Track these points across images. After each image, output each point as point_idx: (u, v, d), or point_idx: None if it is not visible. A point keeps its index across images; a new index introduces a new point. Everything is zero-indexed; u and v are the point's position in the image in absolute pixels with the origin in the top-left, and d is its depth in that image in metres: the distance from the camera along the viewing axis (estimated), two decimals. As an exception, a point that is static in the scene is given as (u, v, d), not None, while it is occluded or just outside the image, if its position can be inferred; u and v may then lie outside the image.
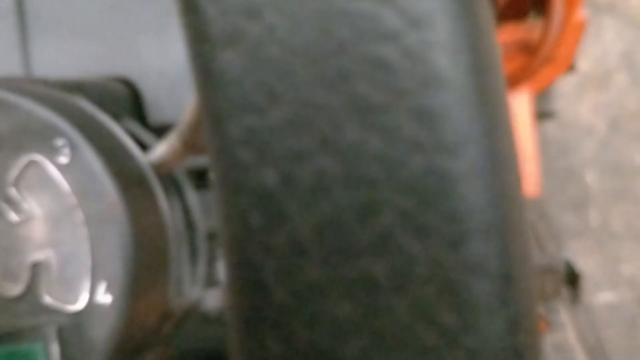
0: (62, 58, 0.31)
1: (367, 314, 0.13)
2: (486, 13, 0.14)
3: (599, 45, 1.20)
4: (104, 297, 0.21)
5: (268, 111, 0.13)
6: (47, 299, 0.21)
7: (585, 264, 1.08)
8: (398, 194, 0.13)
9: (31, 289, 0.21)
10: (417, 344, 0.13)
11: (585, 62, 1.18)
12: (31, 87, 0.23)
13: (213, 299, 0.29)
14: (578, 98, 1.18)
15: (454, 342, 0.13)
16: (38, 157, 0.21)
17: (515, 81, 0.81)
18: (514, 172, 0.14)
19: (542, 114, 0.95)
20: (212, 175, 0.14)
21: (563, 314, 0.92)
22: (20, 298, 0.21)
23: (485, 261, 0.13)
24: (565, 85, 1.15)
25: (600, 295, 1.09)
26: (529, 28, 0.82)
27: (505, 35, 0.82)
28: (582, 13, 0.75)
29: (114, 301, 0.21)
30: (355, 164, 0.13)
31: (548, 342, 0.89)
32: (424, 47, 0.13)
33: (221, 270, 0.32)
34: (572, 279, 0.87)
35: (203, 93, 0.14)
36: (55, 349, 0.21)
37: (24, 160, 0.21)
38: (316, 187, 0.13)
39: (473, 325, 0.13)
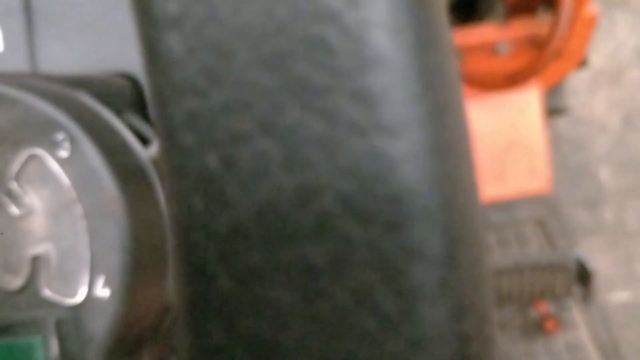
0: (67, 54, 0.31)
1: (307, 299, 0.13)
2: None
3: (612, 40, 1.19)
4: (103, 291, 0.21)
5: (209, 93, 0.13)
6: (47, 293, 0.21)
7: (600, 262, 1.07)
8: (338, 177, 0.13)
9: (31, 283, 0.21)
10: (357, 330, 0.13)
11: (597, 57, 1.17)
12: (32, 81, 0.24)
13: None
14: (591, 94, 1.17)
15: (394, 329, 0.13)
16: (39, 151, 0.22)
17: (524, 76, 0.81)
18: (461, 155, 0.13)
19: (555, 110, 0.94)
20: (160, 159, 0.14)
21: (576, 313, 0.91)
22: (20, 291, 0.21)
23: (425, 246, 0.13)
24: (577, 81, 1.14)
25: (615, 294, 1.08)
26: (539, 23, 0.82)
27: (515, 31, 0.82)
28: (592, 8, 0.75)
29: (112, 295, 0.21)
30: (295, 146, 0.13)
31: (560, 340, 0.89)
32: (364, 26, 0.13)
33: None
34: (584, 277, 0.86)
35: (149, 75, 0.14)
36: (53, 342, 0.21)
37: (24, 154, 0.22)
38: (257, 170, 0.13)
39: (414, 312, 0.13)
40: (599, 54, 1.17)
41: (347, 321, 0.13)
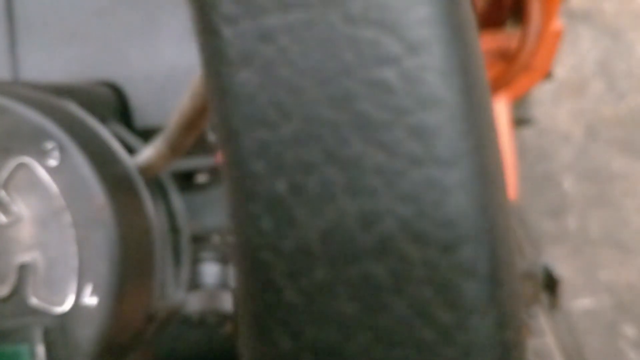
0: (50, 62, 0.31)
1: (369, 312, 0.14)
2: (475, 37, 0.15)
3: (575, 53, 1.22)
4: (90, 299, 0.21)
5: (279, 126, 0.14)
6: (34, 301, 0.21)
7: (564, 270, 1.09)
8: (397, 202, 0.14)
9: (18, 291, 0.21)
10: (415, 340, 0.14)
11: (561, 69, 1.19)
12: (21, 90, 0.24)
13: (195, 303, 0.30)
14: (555, 105, 1.20)
15: (449, 338, 0.14)
16: (27, 160, 0.22)
17: (493, 89, 0.82)
18: (501, 182, 0.15)
19: (520, 121, 0.96)
20: (224, 184, 0.15)
21: (542, 320, 0.92)
22: (6, 299, 0.21)
23: (476, 264, 0.14)
24: (542, 92, 1.16)
25: (579, 301, 1.10)
26: (507, 37, 0.83)
27: (484, 44, 0.83)
28: (558, 22, 0.76)
29: (99, 303, 0.21)
30: (358, 175, 0.14)
31: (528, 347, 0.90)
32: (421, 70, 0.14)
33: (206, 273, 0.32)
34: (551, 284, 0.88)
35: (219, 109, 0.15)
36: (41, 350, 0.21)
37: (13, 162, 0.22)
38: (322, 195, 0.14)
39: (466, 323, 0.14)
40: (563, 66, 1.20)
41: (407, 332, 0.14)
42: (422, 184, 0.14)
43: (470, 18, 0.15)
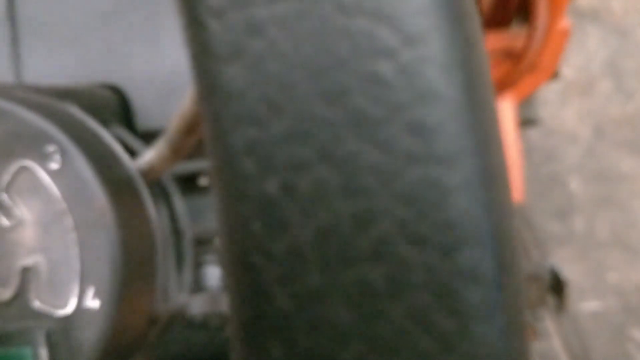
0: (52, 65, 0.31)
1: (365, 319, 0.14)
2: (477, 29, 0.14)
3: (583, 52, 1.21)
4: (93, 302, 0.21)
5: (270, 123, 0.14)
6: (37, 304, 0.22)
7: (571, 272, 1.08)
8: (394, 203, 0.13)
9: (21, 294, 0.22)
10: (413, 348, 0.13)
11: (569, 69, 1.19)
12: (22, 94, 0.24)
13: (198, 306, 0.30)
14: (562, 105, 1.19)
15: (450, 347, 0.13)
16: (29, 163, 0.22)
17: (499, 88, 0.82)
18: (505, 182, 0.14)
19: (526, 121, 0.95)
20: (212, 185, 0.14)
21: (549, 322, 0.92)
22: (9, 302, 0.22)
23: (478, 269, 0.13)
24: (549, 92, 1.16)
25: (586, 304, 1.09)
26: (513, 36, 0.83)
27: (489, 43, 0.83)
28: (565, 21, 0.76)
29: (102, 306, 0.21)
30: (353, 174, 0.13)
31: (534, 350, 0.90)
32: (418, 63, 0.13)
33: (209, 276, 0.32)
34: (558, 286, 0.87)
35: (206, 106, 0.14)
36: (44, 353, 0.21)
37: (15, 166, 0.22)
38: (315, 196, 0.14)
39: (468, 330, 0.13)
40: (570, 66, 1.19)
41: (405, 340, 0.13)
42: (421, 183, 0.13)
43: (471, 8, 0.14)
